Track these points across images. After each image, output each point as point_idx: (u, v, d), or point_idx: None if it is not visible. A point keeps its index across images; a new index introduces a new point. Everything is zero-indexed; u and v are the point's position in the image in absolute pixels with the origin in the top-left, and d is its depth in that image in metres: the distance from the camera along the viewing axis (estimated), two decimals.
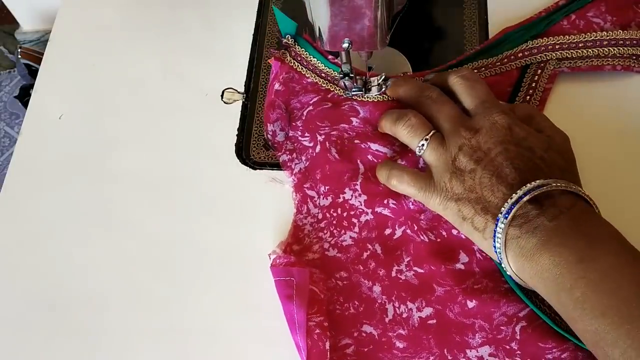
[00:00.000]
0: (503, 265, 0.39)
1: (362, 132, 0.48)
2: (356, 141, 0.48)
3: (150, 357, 0.44)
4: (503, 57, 0.50)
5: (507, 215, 0.38)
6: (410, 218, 0.45)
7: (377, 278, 0.44)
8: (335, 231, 0.46)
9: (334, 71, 0.51)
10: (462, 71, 0.46)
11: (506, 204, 0.38)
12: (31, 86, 0.57)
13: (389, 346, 0.42)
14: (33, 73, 0.69)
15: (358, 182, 0.47)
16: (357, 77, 0.49)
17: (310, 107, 0.50)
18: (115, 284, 0.46)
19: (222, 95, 0.53)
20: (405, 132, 0.44)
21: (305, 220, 0.47)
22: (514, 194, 0.38)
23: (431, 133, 0.43)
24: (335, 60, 0.51)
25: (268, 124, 0.50)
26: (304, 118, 0.50)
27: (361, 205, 0.46)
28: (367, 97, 0.50)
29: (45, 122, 0.54)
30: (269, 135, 0.50)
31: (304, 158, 0.49)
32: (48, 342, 0.45)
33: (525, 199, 0.38)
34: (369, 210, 0.46)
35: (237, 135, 0.51)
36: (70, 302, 0.46)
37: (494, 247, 0.39)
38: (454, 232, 0.44)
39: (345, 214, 0.46)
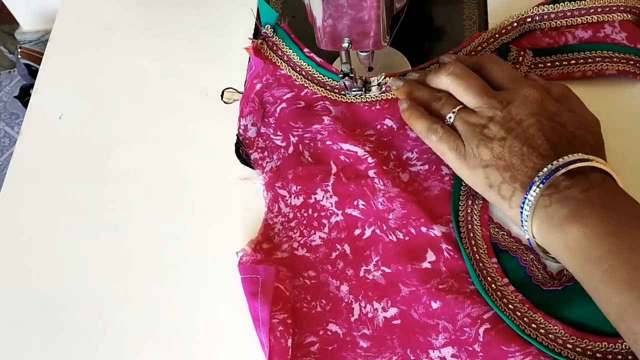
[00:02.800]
0: (527, 236, 0.39)
1: (333, 131, 0.48)
2: (328, 142, 0.48)
3: (149, 356, 0.44)
4: (482, 41, 0.50)
5: (543, 183, 0.38)
6: (380, 218, 0.45)
7: (345, 278, 0.44)
8: (305, 231, 0.46)
9: (308, 65, 0.51)
10: (485, 57, 0.46)
11: (541, 173, 0.38)
12: (31, 86, 0.57)
13: (353, 345, 0.42)
14: (33, 73, 0.69)
15: (330, 184, 0.47)
16: (357, 77, 0.49)
17: (284, 105, 0.50)
18: (114, 284, 0.46)
19: (222, 95, 0.53)
20: (436, 109, 0.44)
21: (276, 219, 0.47)
22: (550, 164, 0.38)
23: (459, 106, 0.43)
24: (311, 55, 0.52)
25: (240, 119, 0.50)
26: (276, 115, 0.50)
27: (332, 206, 0.47)
28: (368, 97, 0.50)
29: (45, 122, 0.54)
30: (240, 130, 0.50)
31: (275, 157, 0.49)
32: (47, 342, 0.45)
33: (562, 170, 0.38)
34: (340, 212, 0.46)
35: (237, 135, 0.51)
36: (69, 301, 0.46)
37: (521, 214, 0.39)
38: (424, 229, 0.44)
39: (315, 215, 0.47)
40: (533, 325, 0.40)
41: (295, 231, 0.46)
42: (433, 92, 0.45)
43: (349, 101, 0.50)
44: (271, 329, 0.41)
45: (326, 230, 0.46)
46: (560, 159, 0.38)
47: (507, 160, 0.40)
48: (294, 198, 0.47)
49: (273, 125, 0.50)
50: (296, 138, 0.49)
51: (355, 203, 0.46)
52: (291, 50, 0.52)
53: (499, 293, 0.41)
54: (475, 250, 0.43)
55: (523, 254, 0.43)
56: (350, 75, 0.47)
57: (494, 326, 0.41)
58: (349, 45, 0.43)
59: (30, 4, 0.70)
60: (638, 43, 0.48)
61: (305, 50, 0.52)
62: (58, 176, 0.51)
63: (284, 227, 0.47)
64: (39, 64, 0.58)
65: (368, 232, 0.45)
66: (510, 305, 0.41)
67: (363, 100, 0.50)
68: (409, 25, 0.54)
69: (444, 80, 0.44)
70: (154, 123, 0.53)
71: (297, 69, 0.52)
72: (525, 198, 0.38)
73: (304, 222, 0.47)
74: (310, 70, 0.51)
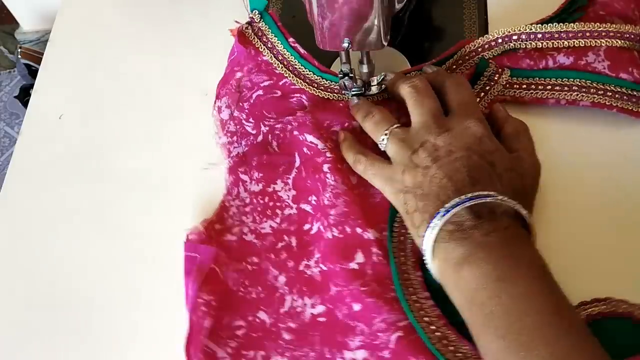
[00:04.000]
0: (428, 266, 0.39)
1: (302, 122, 0.48)
2: (295, 132, 0.48)
3: (149, 356, 0.44)
4: (464, 54, 0.50)
5: (444, 215, 0.38)
6: (324, 214, 0.46)
7: (284, 269, 0.45)
8: (257, 217, 0.47)
9: (291, 55, 0.51)
10: (453, 76, 0.46)
11: (447, 205, 0.38)
12: (31, 86, 0.57)
13: (277, 336, 0.43)
14: (33, 73, 0.69)
15: (291, 177, 0.48)
16: (357, 77, 0.49)
17: (261, 92, 0.50)
18: (114, 284, 0.46)
19: None
20: (370, 128, 0.45)
21: (233, 202, 0.48)
22: (457, 198, 0.38)
23: (391, 128, 0.44)
24: (295, 45, 0.52)
25: (216, 100, 0.51)
26: (252, 101, 0.50)
27: (289, 199, 0.47)
28: (367, 98, 0.50)
29: (45, 122, 0.54)
30: (214, 111, 0.51)
31: (243, 143, 0.50)
32: (47, 342, 0.45)
33: (466, 204, 0.37)
34: (295, 205, 0.47)
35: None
36: (69, 301, 0.46)
37: (421, 245, 0.39)
38: (358, 230, 0.44)
39: (271, 204, 0.47)
40: (444, 341, 0.40)
41: (248, 216, 0.47)
42: (367, 108, 0.46)
43: (325, 97, 0.50)
44: (195, 307, 0.42)
45: (278, 220, 0.47)
46: (469, 194, 0.38)
47: (425, 190, 0.40)
48: (254, 184, 0.48)
49: (247, 110, 0.50)
50: (267, 128, 0.49)
51: (309, 199, 0.47)
52: (276, 38, 0.52)
53: (417, 304, 0.41)
54: (404, 260, 0.43)
55: None
56: (350, 75, 0.47)
57: (407, 335, 0.40)
58: (349, 45, 0.43)
59: (30, 4, 0.70)
60: (620, 72, 0.47)
61: (290, 39, 0.52)
62: (58, 176, 0.51)
63: (239, 210, 0.47)
64: (39, 64, 0.58)
65: (315, 228, 0.46)
66: (426, 318, 0.41)
67: (339, 99, 0.50)
68: (409, 25, 0.54)
69: (404, 88, 0.45)
70: (153, 123, 0.53)
71: (279, 58, 0.52)
72: (427, 228, 0.38)
73: (259, 208, 0.47)
74: (292, 61, 0.51)
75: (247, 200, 0.47)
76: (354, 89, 0.49)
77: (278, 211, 0.47)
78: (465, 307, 0.37)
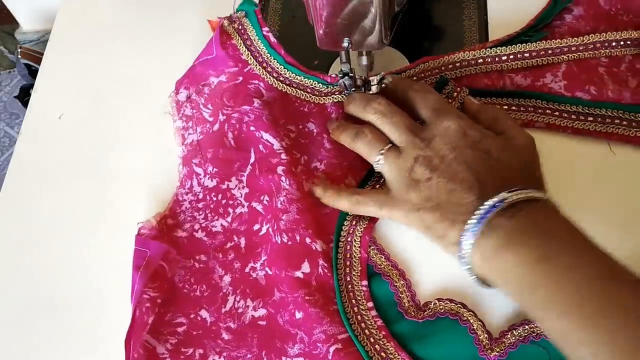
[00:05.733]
0: (470, 274, 0.39)
1: (259, 117, 0.48)
2: (252, 128, 0.48)
3: None
4: (426, 69, 0.50)
5: (476, 227, 0.37)
6: (275, 217, 0.45)
7: (231, 269, 0.45)
8: (209, 215, 0.47)
9: (261, 42, 0.51)
10: (413, 85, 0.46)
11: (472, 219, 0.37)
12: (31, 86, 0.57)
13: (216, 335, 0.43)
14: (33, 73, 0.69)
15: (245, 174, 0.47)
16: (357, 77, 0.49)
17: (224, 78, 0.50)
18: (115, 283, 0.46)
19: None
20: (363, 149, 0.44)
21: (186, 196, 0.48)
22: (477, 210, 0.37)
23: (386, 147, 0.43)
24: (268, 34, 0.51)
25: (177, 82, 0.51)
26: (213, 86, 0.50)
27: (241, 197, 0.47)
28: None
29: (45, 122, 0.54)
30: (172, 92, 0.50)
31: (199, 130, 0.49)
32: (47, 342, 0.45)
33: (488, 216, 0.37)
34: (246, 204, 0.47)
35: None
36: (69, 301, 0.46)
37: (459, 253, 0.38)
38: (307, 240, 0.44)
39: (224, 201, 0.47)
40: (382, 354, 0.40)
41: (200, 213, 0.47)
42: (355, 128, 0.45)
43: (283, 90, 0.50)
44: (140, 303, 0.43)
45: (229, 219, 0.47)
46: (491, 201, 0.37)
47: (435, 200, 0.40)
48: (208, 179, 0.48)
49: (206, 95, 0.50)
50: (224, 117, 0.49)
51: (261, 198, 0.47)
52: (251, 27, 0.52)
53: (359, 316, 0.42)
54: (349, 271, 0.43)
55: (395, 279, 0.43)
56: (350, 75, 0.47)
57: (345, 348, 0.41)
58: (349, 45, 0.43)
59: (30, 4, 0.70)
60: (576, 91, 0.48)
61: (265, 29, 0.52)
62: (58, 176, 0.51)
63: (191, 206, 0.47)
64: (39, 64, 0.58)
65: (264, 230, 0.46)
66: (366, 330, 0.41)
67: (295, 95, 0.50)
68: (409, 25, 0.54)
69: (369, 117, 0.44)
70: (153, 123, 0.53)
71: (248, 43, 0.51)
72: (462, 236, 0.38)
73: (211, 205, 0.47)
74: (260, 47, 0.51)
75: (200, 196, 0.47)
76: (353, 89, 0.49)
77: (230, 210, 0.47)
78: (517, 296, 0.36)
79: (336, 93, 0.50)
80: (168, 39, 0.57)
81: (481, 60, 0.49)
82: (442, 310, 0.42)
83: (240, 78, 0.50)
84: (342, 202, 0.45)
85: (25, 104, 0.62)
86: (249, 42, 0.52)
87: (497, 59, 0.49)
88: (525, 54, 0.49)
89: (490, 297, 0.42)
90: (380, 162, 0.43)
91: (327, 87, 0.50)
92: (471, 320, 0.41)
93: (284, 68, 0.51)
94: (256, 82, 0.50)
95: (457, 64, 0.50)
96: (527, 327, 0.40)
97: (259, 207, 0.46)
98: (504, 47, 0.49)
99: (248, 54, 0.51)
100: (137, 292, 0.43)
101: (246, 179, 0.47)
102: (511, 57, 0.49)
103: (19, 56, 0.70)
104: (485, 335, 0.40)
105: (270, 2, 0.58)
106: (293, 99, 0.50)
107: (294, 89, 0.50)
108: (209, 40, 0.52)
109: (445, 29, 0.55)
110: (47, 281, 0.47)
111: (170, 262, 0.45)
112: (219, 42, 0.51)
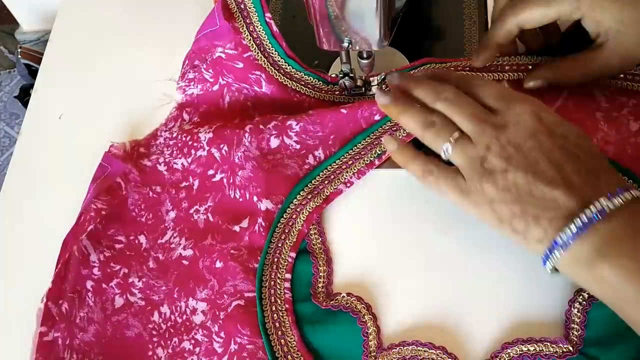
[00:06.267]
0: (551, 271, 0.36)
1: (261, 96, 0.50)
2: (249, 104, 0.50)
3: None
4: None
5: (573, 235, 0.34)
6: (231, 170, 0.47)
7: (177, 206, 0.47)
8: (175, 152, 0.49)
9: (263, 29, 0.51)
10: (461, 75, 0.43)
11: (572, 225, 0.35)
12: (31, 86, 0.57)
13: (144, 261, 0.46)
14: (33, 73, 0.69)
15: (216, 125, 0.49)
16: (358, 77, 0.49)
17: (223, 55, 0.51)
18: None
19: None
20: (429, 138, 0.40)
21: (164, 133, 0.50)
22: (578, 216, 0.35)
23: (455, 135, 0.39)
24: (270, 22, 0.51)
25: (185, 57, 0.53)
26: (214, 57, 0.51)
27: (204, 140, 0.48)
28: (367, 97, 0.50)
29: (45, 122, 0.54)
30: (192, 53, 0.52)
31: (200, 86, 0.51)
32: None
33: (588, 229, 0.34)
34: (207, 148, 0.48)
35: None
36: None
37: (548, 254, 0.36)
38: (255, 199, 0.46)
39: (190, 142, 0.49)
40: (277, 323, 0.41)
41: (168, 149, 0.49)
42: (424, 116, 0.41)
43: (283, 82, 0.51)
44: (86, 210, 0.46)
45: (189, 160, 0.49)
46: (588, 211, 0.34)
47: (514, 193, 0.37)
48: (188, 125, 0.50)
49: (208, 62, 0.52)
50: (225, 81, 0.51)
51: (221, 146, 0.48)
52: (254, 9, 0.52)
53: (272, 282, 0.43)
54: (283, 238, 0.44)
55: (320, 263, 0.44)
56: (351, 75, 0.47)
57: (247, 306, 0.42)
58: (349, 45, 0.43)
59: (30, 4, 0.70)
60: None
61: (267, 15, 0.51)
62: (58, 176, 0.51)
63: (165, 142, 0.50)
64: (39, 64, 0.58)
65: (218, 177, 0.48)
66: (273, 298, 0.42)
67: (295, 88, 0.50)
68: (409, 25, 0.54)
69: (436, 105, 0.41)
70: (153, 123, 0.53)
71: (250, 28, 0.51)
72: (557, 238, 0.35)
73: (179, 144, 0.49)
74: (262, 35, 0.51)
75: (174, 134, 0.50)
76: (354, 90, 0.49)
77: (192, 151, 0.49)
78: (617, 308, 0.35)
79: (336, 92, 0.50)
80: (168, 39, 0.57)
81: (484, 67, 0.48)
82: (347, 305, 0.42)
83: (241, 64, 0.51)
84: (415, 166, 0.41)
85: (25, 104, 0.62)
86: (251, 28, 0.51)
87: (499, 68, 0.48)
88: (529, 67, 0.48)
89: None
90: (448, 150, 0.39)
91: (327, 86, 0.50)
92: (368, 324, 0.41)
93: (285, 62, 0.51)
94: (258, 73, 0.50)
95: (459, 69, 0.48)
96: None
97: (217, 155, 0.48)
98: (507, 57, 0.48)
99: (250, 40, 0.51)
100: (87, 200, 0.46)
101: (215, 126, 0.49)
102: (514, 67, 0.48)
103: (19, 56, 0.70)
104: (375, 342, 0.41)
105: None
106: (292, 94, 0.50)
107: (294, 83, 0.50)
108: (211, 10, 0.51)
109: (445, 29, 0.55)
110: (46, 281, 0.47)
111: (129, 182, 0.48)
112: (222, 14, 0.51)
